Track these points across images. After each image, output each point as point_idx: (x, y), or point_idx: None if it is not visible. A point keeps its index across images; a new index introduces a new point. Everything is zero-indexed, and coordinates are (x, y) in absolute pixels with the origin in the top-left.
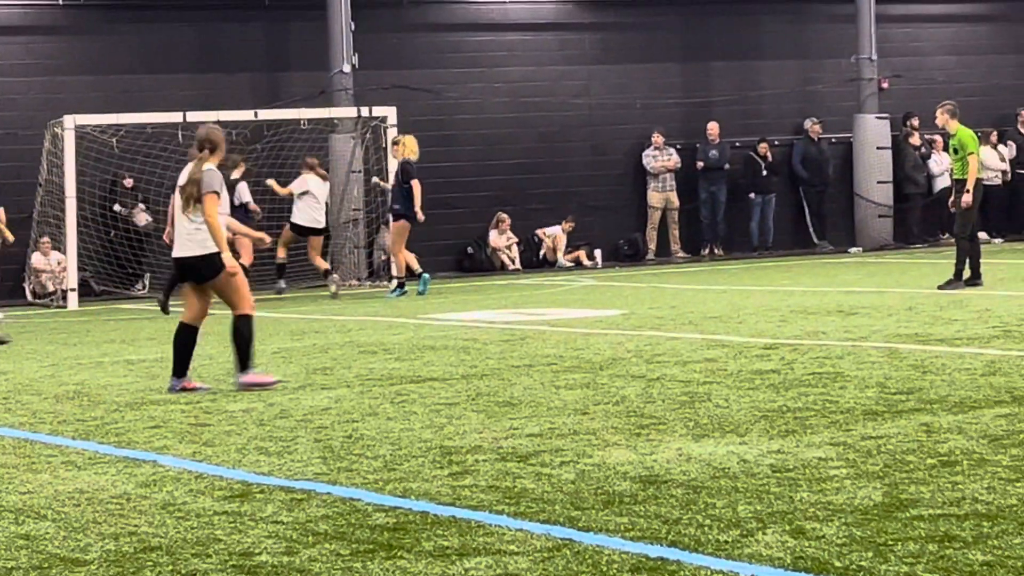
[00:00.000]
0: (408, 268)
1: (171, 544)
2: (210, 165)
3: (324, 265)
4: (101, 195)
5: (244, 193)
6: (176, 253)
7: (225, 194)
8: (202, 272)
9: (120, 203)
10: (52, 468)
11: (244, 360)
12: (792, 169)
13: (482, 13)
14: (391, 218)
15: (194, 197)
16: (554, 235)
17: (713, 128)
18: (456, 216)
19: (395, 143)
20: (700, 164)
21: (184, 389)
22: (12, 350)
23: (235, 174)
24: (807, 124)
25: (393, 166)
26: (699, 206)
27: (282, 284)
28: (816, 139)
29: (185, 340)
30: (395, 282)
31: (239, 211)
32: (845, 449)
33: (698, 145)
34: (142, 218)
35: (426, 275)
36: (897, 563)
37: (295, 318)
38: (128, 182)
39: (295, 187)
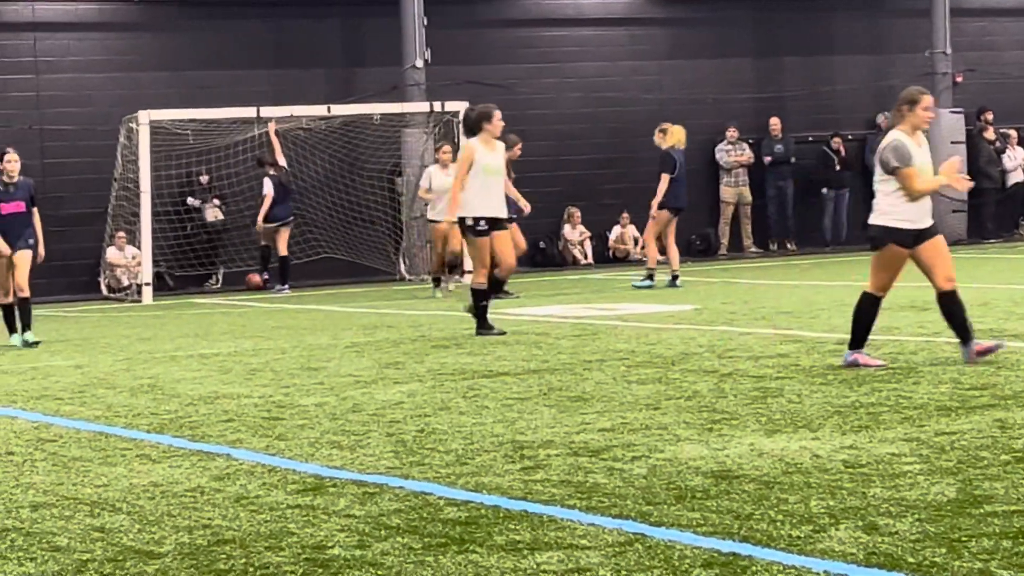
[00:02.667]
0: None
1: (244, 537)
2: (897, 133)
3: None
4: (177, 190)
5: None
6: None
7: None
8: (872, 242)
9: (193, 197)
10: (127, 461)
11: (963, 333)
12: (865, 164)
13: (555, 8)
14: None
15: (886, 166)
16: (619, 234)
17: (775, 123)
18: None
19: (661, 131)
20: (767, 159)
21: (855, 364)
22: (88, 344)
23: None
24: (880, 118)
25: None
26: (766, 202)
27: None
28: None
29: (865, 311)
30: (664, 273)
31: None
32: (918, 445)
33: (763, 140)
34: (211, 214)
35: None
36: (971, 559)
37: (367, 312)
38: (204, 179)
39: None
